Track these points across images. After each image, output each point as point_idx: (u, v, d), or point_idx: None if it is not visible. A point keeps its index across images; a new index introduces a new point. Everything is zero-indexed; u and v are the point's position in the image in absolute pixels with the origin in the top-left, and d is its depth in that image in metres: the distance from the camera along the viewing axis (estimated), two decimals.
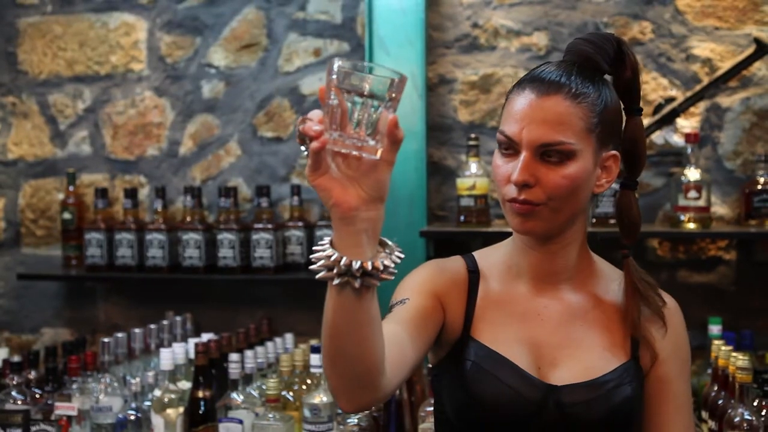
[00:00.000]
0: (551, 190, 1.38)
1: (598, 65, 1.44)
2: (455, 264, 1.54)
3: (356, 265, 1.10)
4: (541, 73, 1.42)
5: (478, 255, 1.56)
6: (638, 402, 1.46)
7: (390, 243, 1.17)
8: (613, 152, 1.44)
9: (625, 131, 1.47)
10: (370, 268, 1.11)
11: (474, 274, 1.51)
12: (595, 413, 1.41)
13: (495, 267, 1.53)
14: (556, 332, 1.46)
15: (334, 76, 1.05)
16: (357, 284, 1.11)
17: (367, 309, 1.15)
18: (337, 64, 1.05)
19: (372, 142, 1.06)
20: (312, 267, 1.13)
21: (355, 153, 1.06)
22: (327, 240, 1.14)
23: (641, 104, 1.52)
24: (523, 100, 1.40)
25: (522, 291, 1.50)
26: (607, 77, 1.48)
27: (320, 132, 1.04)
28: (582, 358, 1.44)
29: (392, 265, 1.14)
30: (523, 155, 1.38)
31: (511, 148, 1.41)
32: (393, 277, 1.15)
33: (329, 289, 1.15)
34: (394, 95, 1.07)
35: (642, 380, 1.48)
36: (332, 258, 1.11)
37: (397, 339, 1.33)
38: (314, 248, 1.14)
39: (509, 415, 1.40)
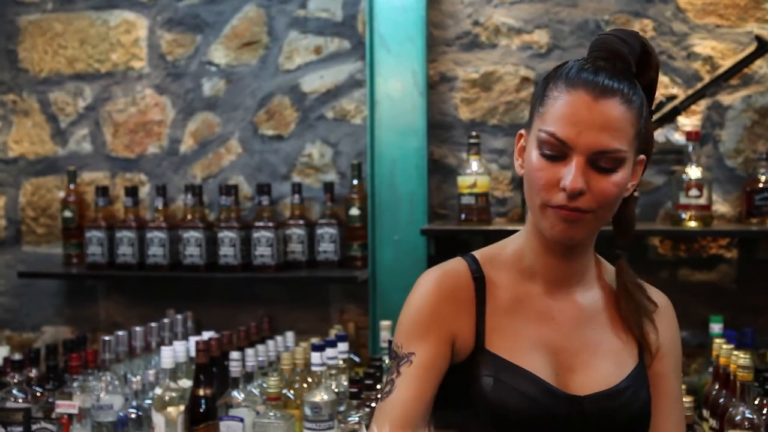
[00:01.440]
0: (602, 197, 1.33)
1: (630, 66, 1.38)
2: (458, 273, 1.44)
3: None
4: (591, 74, 1.34)
5: (481, 256, 1.48)
6: (650, 405, 1.46)
7: None
8: (642, 156, 1.41)
9: None
10: None
11: (479, 280, 1.43)
12: (618, 422, 1.40)
13: (503, 269, 1.46)
14: (571, 337, 1.43)
15: None
16: None
17: None
18: None
19: None
20: None
21: None
22: None
23: None
24: (579, 101, 1.31)
25: (535, 294, 1.45)
26: None
27: None
28: (599, 364, 1.42)
29: None
30: (577, 161, 1.31)
31: (558, 151, 1.33)
32: None
33: None
34: None
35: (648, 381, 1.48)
36: None
37: (416, 421, 1.35)
38: None
39: (535, 428, 1.37)
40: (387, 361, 1.48)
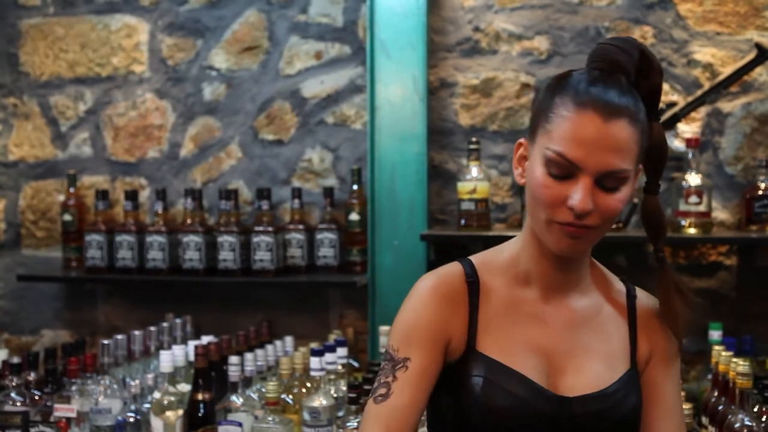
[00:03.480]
0: (607, 214, 1.35)
1: (630, 75, 1.39)
2: (452, 277, 1.47)
3: None
4: (599, 92, 1.34)
5: (478, 260, 1.50)
6: (641, 409, 1.47)
7: None
8: (640, 166, 1.42)
9: (651, 137, 1.41)
10: None
11: (473, 284, 1.46)
12: (605, 424, 1.41)
13: (499, 273, 1.49)
14: (563, 340, 1.45)
15: None
16: None
17: None
18: None
19: None
20: None
21: None
22: None
23: None
24: (588, 122, 1.32)
25: (529, 298, 1.47)
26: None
27: None
28: (590, 367, 1.44)
29: None
30: (585, 181, 1.33)
31: (566, 170, 1.34)
32: None
33: None
34: None
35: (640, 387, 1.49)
36: None
37: (410, 429, 1.38)
38: None
39: (522, 427, 1.39)
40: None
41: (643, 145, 1.37)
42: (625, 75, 1.38)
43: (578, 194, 1.32)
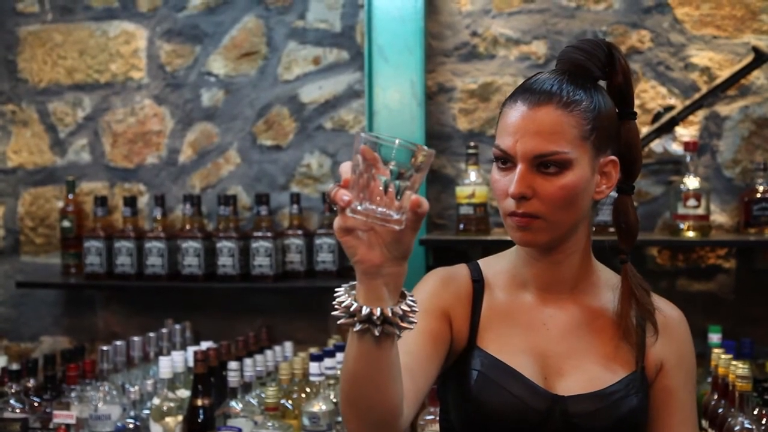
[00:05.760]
0: (549, 201, 1.38)
1: (590, 72, 1.45)
2: (460, 273, 1.53)
3: (377, 313, 1.13)
4: (532, 84, 1.42)
5: (483, 264, 1.55)
6: (644, 413, 1.47)
7: (406, 292, 1.19)
8: (612, 157, 1.44)
9: (620, 136, 1.46)
10: (390, 314, 1.14)
11: (478, 283, 1.51)
12: (600, 424, 1.41)
13: (500, 276, 1.52)
14: (561, 342, 1.46)
15: (362, 145, 1.07)
16: (377, 332, 1.14)
17: (387, 356, 1.18)
18: (363, 134, 1.08)
19: (396, 216, 1.09)
20: (334, 313, 1.16)
21: (378, 225, 1.09)
22: (344, 287, 1.17)
23: (640, 112, 1.52)
24: (516, 112, 1.40)
25: (527, 301, 1.49)
26: (601, 83, 1.48)
27: (348, 202, 1.07)
28: (588, 368, 1.44)
29: (410, 310, 1.16)
30: (519, 168, 1.38)
31: (507, 161, 1.41)
32: (413, 327, 1.17)
33: (350, 336, 1.18)
34: (420, 166, 1.08)
35: (648, 390, 1.48)
36: (352, 308, 1.14)
37: (410, 373, 1.34)
38: (335, 293, 1.17)
39: (515, 424, 1.41)
40: None
41: (592, 131, 1.39)
42: (587, 74, 1.44)
43: (513, 180, 1.38)
